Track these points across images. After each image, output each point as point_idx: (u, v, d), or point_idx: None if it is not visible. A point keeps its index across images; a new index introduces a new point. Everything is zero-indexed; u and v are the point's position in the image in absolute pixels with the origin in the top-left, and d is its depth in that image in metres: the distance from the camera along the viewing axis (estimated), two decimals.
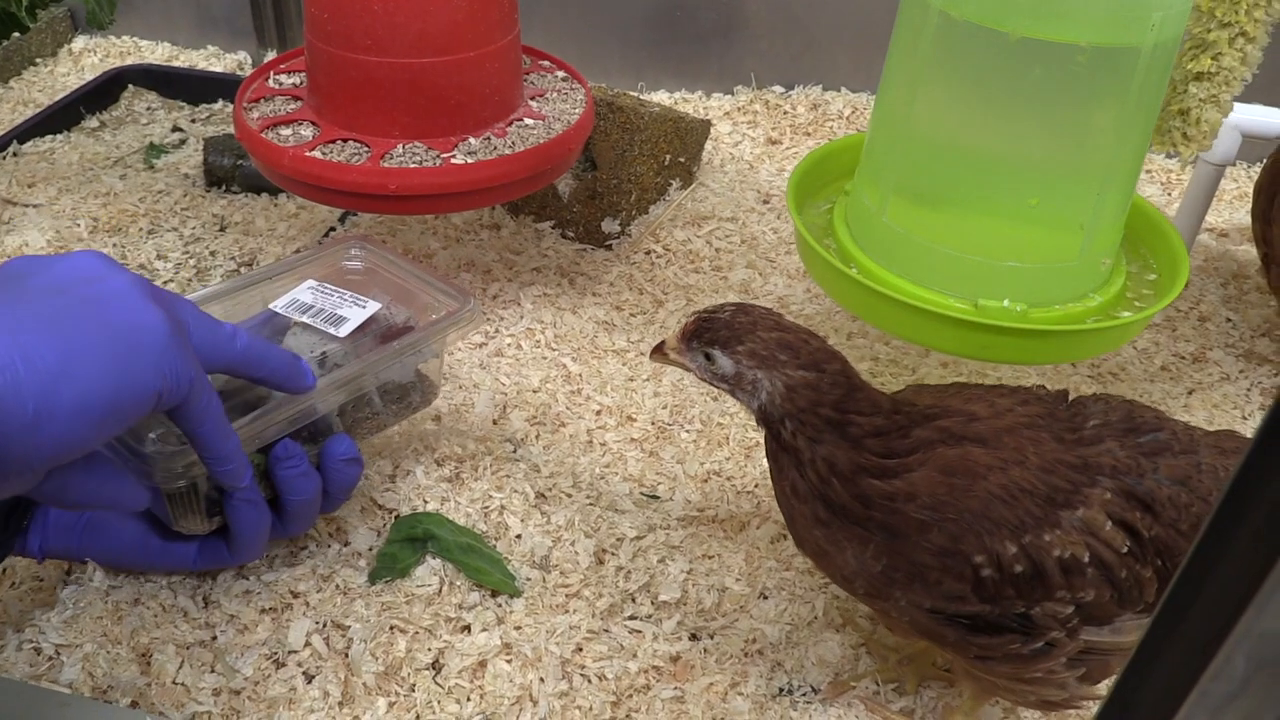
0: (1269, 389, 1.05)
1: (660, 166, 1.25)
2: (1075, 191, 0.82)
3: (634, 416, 0.96)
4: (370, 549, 0.80)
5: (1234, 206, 1.38)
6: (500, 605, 0.77)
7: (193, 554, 0.73)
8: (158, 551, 0.73)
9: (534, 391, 0.98)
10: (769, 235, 1.24)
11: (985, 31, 0.76)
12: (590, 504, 0.86)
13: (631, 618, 0.77)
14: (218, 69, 1.61)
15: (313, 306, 0.78)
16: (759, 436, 0.93)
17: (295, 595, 0.76)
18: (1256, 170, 1.34)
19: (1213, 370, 1.07)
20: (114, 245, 1.16)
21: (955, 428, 0.62)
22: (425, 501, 0.84)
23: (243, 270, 1.14)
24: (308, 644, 0.73)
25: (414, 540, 0.80)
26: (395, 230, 1.21)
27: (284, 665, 0.72)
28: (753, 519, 0.86)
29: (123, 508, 0.64)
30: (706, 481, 0.90)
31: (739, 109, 1.53)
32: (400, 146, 0.95)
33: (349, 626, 0.74)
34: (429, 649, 0.73)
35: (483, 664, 0.72)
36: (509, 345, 1.04)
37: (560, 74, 1.13)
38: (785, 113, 1.52)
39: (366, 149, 0.95)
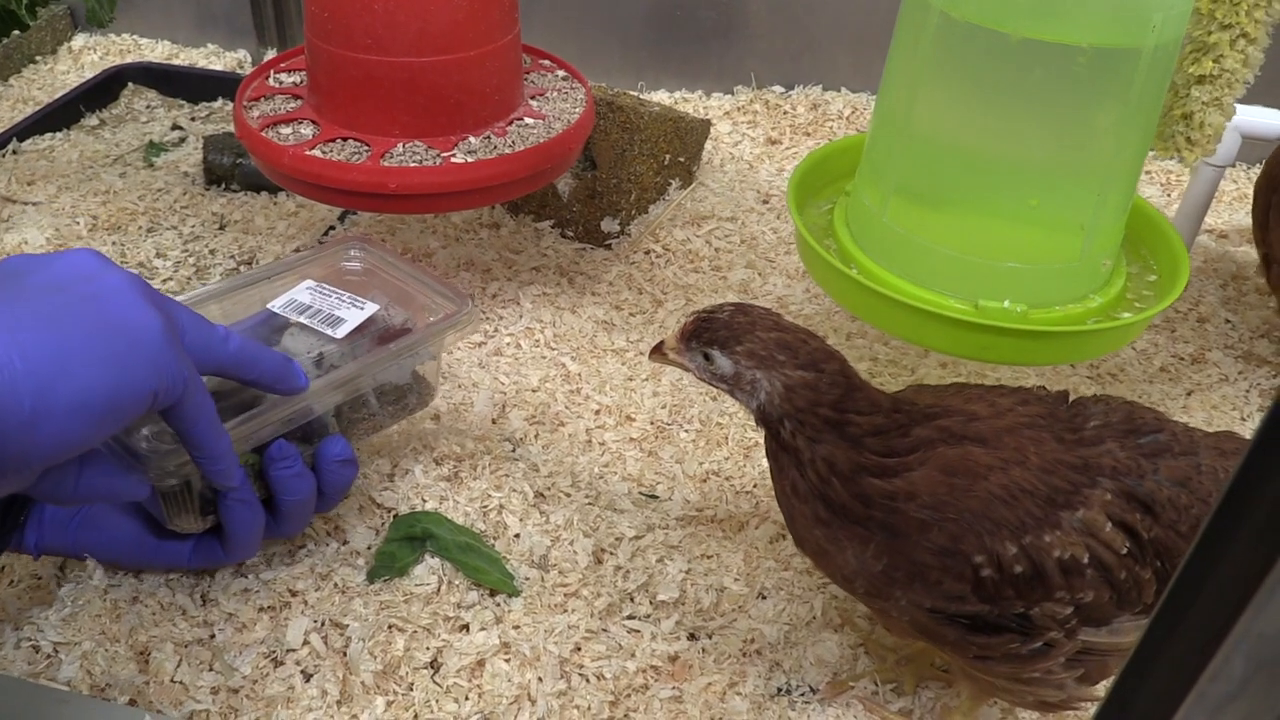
0: (1268, 390, 1.05)
1: (660, 166, 1.25)
2: (1076, 193, 0.82)
3: (633, 416, 0.96)
4: (369, 548, 0.80)
5: (1233, 207, 1.38)
6: (499, 604, 0.77)
7: (187, 551, 0.73)
8: (153, 549, 0.73)
9: (533, 391, 0.98)
10: (768, 235, 1.24)
11: (986, 32, 0.76)
12: (589, 503, 0.86)
13: (630, 617, 0.77)
14: (217, 67, 1.61)
15: (310, 307, 0.78)
16: (758, 436, 0.93)
17: (294, 594, 0.76)
18: (1256, 171, 1.34)
19: (1211, 371, 1.07)
20: (113, 243, 1.16)
21: (956, 427, 0.62)
22: (424, 500, 0.84)
23: (242, 269, 1.14)
24: (306, 642, 0.73)
25: (412, 539, 0.80)
26: (395, 229, 1.21)
27: (282, 664, 0.72)
28: (751, 519, 0.86)
29: (122, 499, 0.64)
30: (705, 481, 0.90)
31: (739, 109, 1.53)
32: (400, 145, 0.95)
33: (347, 625, 0.74)
34: (427, 648, 0.73)
35: (481, 663, 0.72)
36: (508, 344, 1.04)
37: (560, 73, 1.13)
38: (785, 113, 1.52)
39: (366, 148, 0.95)
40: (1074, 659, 0.62)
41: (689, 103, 1.55)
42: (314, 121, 0.99)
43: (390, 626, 0.74)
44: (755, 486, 0.89)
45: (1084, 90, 0.77)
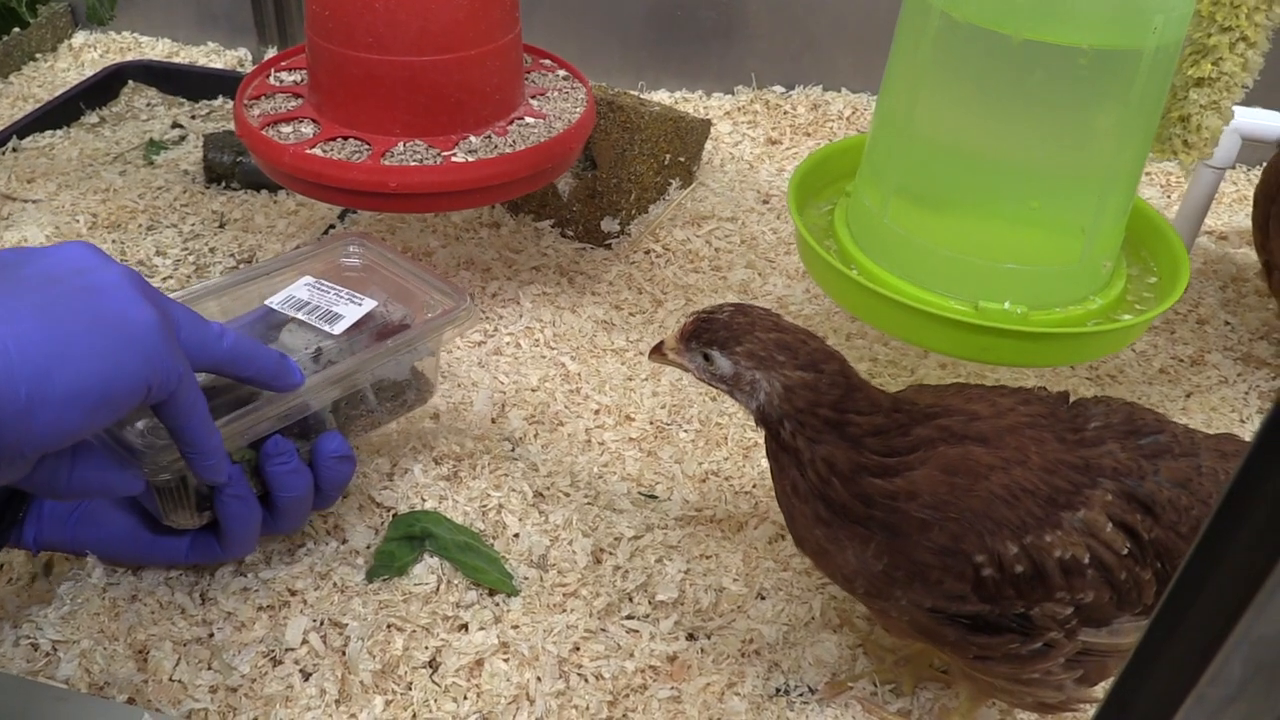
0: (1267, 392, 1.05)
1: (660, 166, 1.25)
2: (1076, 194, 0.82)
3: (632, 416, 0.96)
4: (368, 547, 0.80)
5: (1233, 209, 1.38)
6: (498, 604, 0.77)
7: (184, 548, 0.73)
8: (150, 544, 0.73)
9: (532, 390, 0.98)
10: (768, 235, 1.24)
11: (987, 34, 0.76)
12: (588, 503, 0.86)
13: (629, 617, 0.77)
14: (218, 65, 1.61)
15: (309, 303, 0.78)
16: (757, 436, 0.93)
17: (293, 593, 0.76)
18: (1256, 173, 1.34)
19: (1211, 373, 1.07)
20: (113, 241, 1.16)
21: (957, 426, 0.62)
22: (423, 500, 0.84)
23: (241, 267, 1.13)
24: (305, 642, 0.73)
25: (412, 538, 0.80)
26: (394, 228, 1.21)
27: (281, 663, 0.72)
28: (750, 519, 0.86)
29: (117, 494, 0.64)
30: (704, 481, 0.90)
31: (739, 109, 1.53)
32: (401, 144, 0.95)
33: (346, 624, 0.74)
34: (426, 647, 0.73)
35: (480, 663, 0.72)
36: (508, 344, 1.04)
37: (561, 73, 1.13)
38: (785, 113, 1.52)
39: (367, 147, 0.95)
40: (1073, 660, 0.62)
41: (689, 102, 1.55)
42: (314, 120, 0.99)
43: (389, 626, 0.74)
44: (754, 487, 0.89)
45: (1085, 92, 0.77)
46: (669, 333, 0.67)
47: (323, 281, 0.80)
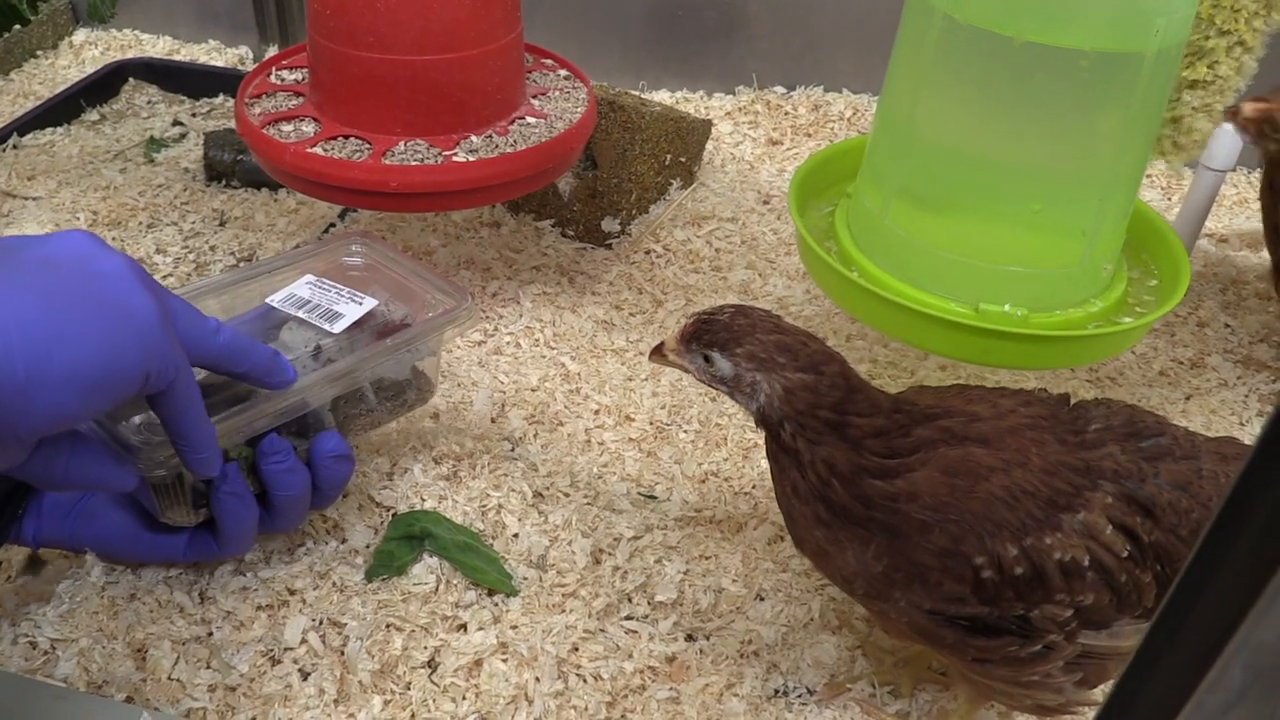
0: (1267, 395, 1.05)
1: (661, 166, 1.25)
2: (1078, 197, 0.82)
3: (632, 416, 0.96)
4: (367, 546, 0.80)
5: (1233, 212, 1.38)
6: (497, 604, 0.77)
7: (182, 545, 0.73)
8: (147, 542, 0.73)
9: (532, 390, 0.98)
10: (769, 236, 1.23)
11: (989, 36, 0.76)
12: (588, 503, 0.86)
13: (628, 618, 0.77)
14: (219, 63, 1.61)
15: (309, 302, 0.78)
16: (757, 437, 0.93)
17: (292, 592, 0.76)
18: (1257, 176, 1.34)
19: (1211, 376, 1.07)
20: (113, 239, 1.16)
21: (957, 428, 0.62)
22: (423, 499, 0.84)
23: (242, 265, 1.13)
24: (304, 641, 0.73)
25: (411, 538, 0.80)
26: (395, 227, 1.21)
27: (280, 662, 0.72)
28: (750, 520, 0.86)
29: (111, 489, 0.64)
30: (704, 482, 0.90)
31: (740, 109, 1.53)
32: (402, 144, 0.95)
33: (345, 624, 0.74)
34: (425, 647, 0.73)
35: (478, 663, 0.72)
36: (508, 343, 1.04)
37: (562, 72, 1.13)
38: (786, 113, 1.52)
39: (368, 146, 0.95)
40: (1073, 662, 0.62)
41: (690, 103, 1.55)
42: (315, 119, 0.99)
43: (388, 626, 0.74)
44: (754, 488, 0.89)
45: (1086, 94, 0.77)
46: (669, 334, 0.67)
47: (324, 280, 0.80)
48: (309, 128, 0.98)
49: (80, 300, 0.54)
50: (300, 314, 0.77)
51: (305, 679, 0.70)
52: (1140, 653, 0.30)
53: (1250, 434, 0.99)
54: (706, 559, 0.82)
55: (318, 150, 0.94)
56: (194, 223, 1.20)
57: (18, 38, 1.55)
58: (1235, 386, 1.06)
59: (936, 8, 0.79)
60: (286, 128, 0.98)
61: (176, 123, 1.41)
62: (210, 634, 0.73)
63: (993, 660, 0.62)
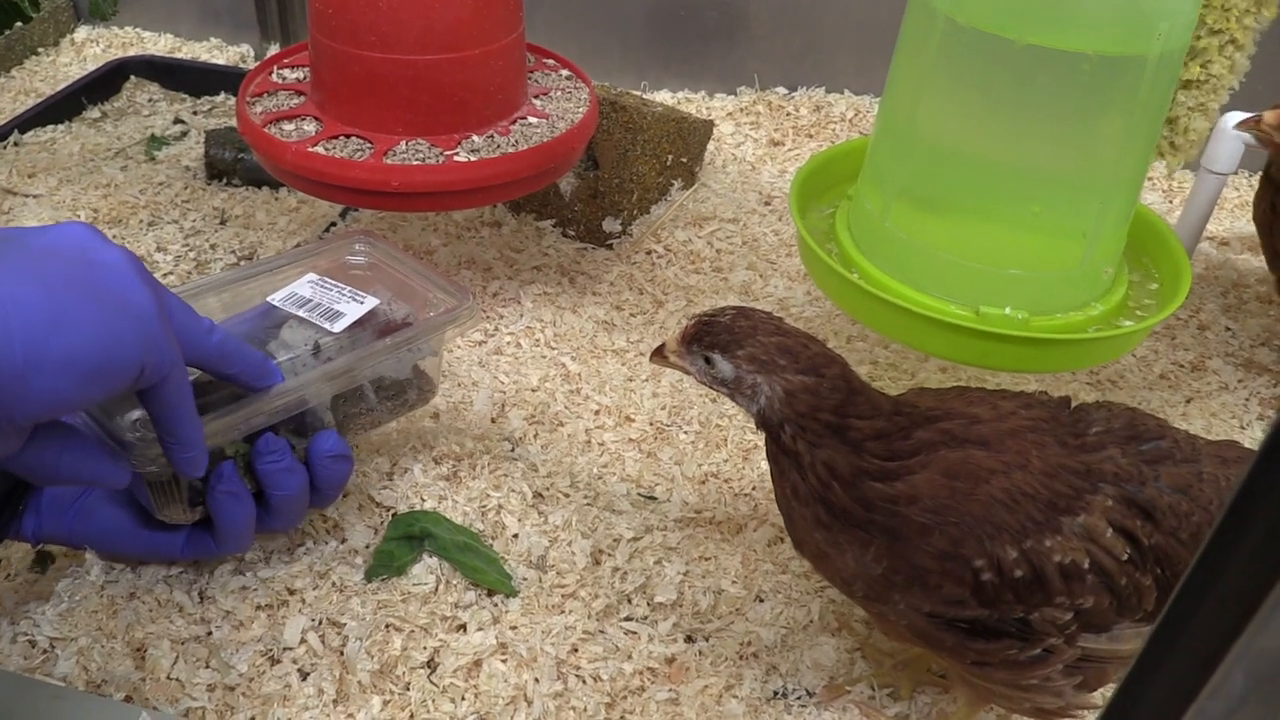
0: (1267, 399, 1.05)
1: (662, 166, 1.25)
2: (1079, 200, 0.82)
3: (632, 417, 0.96)
4: (367, 546, 0.80)
5: (1235, 215, 1.38)
6: (496, 605, 0.77)
7: (180, 543, 0.73)
8: (144, 539, 0.73)
9: (533, 390, 0.98)
10: (770, 237, 1.23)
11: (991, 38, 0.76)
12: (588, 504, 0.86)
13: (627, 619, 0.77)
14: (220, 61, 1.61)
15: (310, 301, 0.78)
16: (757, 439, 0.93)
17: (291, 592, 0.76)
18: (1258, 179, 1.34)
19: (1211, 379, 1.07)
20: (114, 236, 1.16)
21: (958, 430, 0.62)
22: (423, 499, 0.84)
23: (242, 264, 1.13)
24: (303, 641, 0.73)
25: (411, 538, 0.80)
26: (396, 226, 1.21)
27: (279, 662, 0.72)
28: (750, 521, 0.86)
29: (103, 485, 0.64)
30: (704, 483, 0.90)
31: (742, 110, 1.53)
32: (403, 143, 0.95)
33: (345, 624, 0.74)
34: (424, 648, 0.73)
35: (478, 663, 0.72)
36: (508, 343, 1.04)
37: (564, 72, 1.13)
38: (788, 114, 1.52)
39: (369, 145, 0.95)
40: (1073, 666, 0.62)
41: (692, 103, 1.55)
42: (317, 118, 0.99)
43: (388, 626, 0.74)
44: (754, 489, 0.89)
45: (1088, 97, 0.77)
46: (670, 335, 0.67)
47: (327, 279, 0.80)
48: (310, 127, 0.98)
49: (80, 288, 0.54)
50: (301, 313, 0.77)
51: (304, 679, 0.70)
52: (1141, 658, 0.30)
53: (1251, 437, 0.99)
54: (706, 560, 0.82)
55: (319, 149, 0.94)
56: (195, 221, 1.20)
57: (19, 35, 1.55)
58: (1236, 390, 1.06)
59: (938, 10, 0.79)
60: (288, 126, 0.98)
61: (178, 121, 1.41)
62: (209, 633, 0.73)
63: (992, 663, 0.62)
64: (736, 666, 0.74)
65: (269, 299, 0.78)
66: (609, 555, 0.82)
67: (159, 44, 1.66)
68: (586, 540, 0.82)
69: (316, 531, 0.81)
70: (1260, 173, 1.06)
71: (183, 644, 0.72)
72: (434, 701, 0.70)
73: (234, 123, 1.28)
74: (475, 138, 0.97)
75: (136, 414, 0.66)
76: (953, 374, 1.03)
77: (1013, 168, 0.82)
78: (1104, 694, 0.66)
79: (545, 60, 1.14)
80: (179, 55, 1.62)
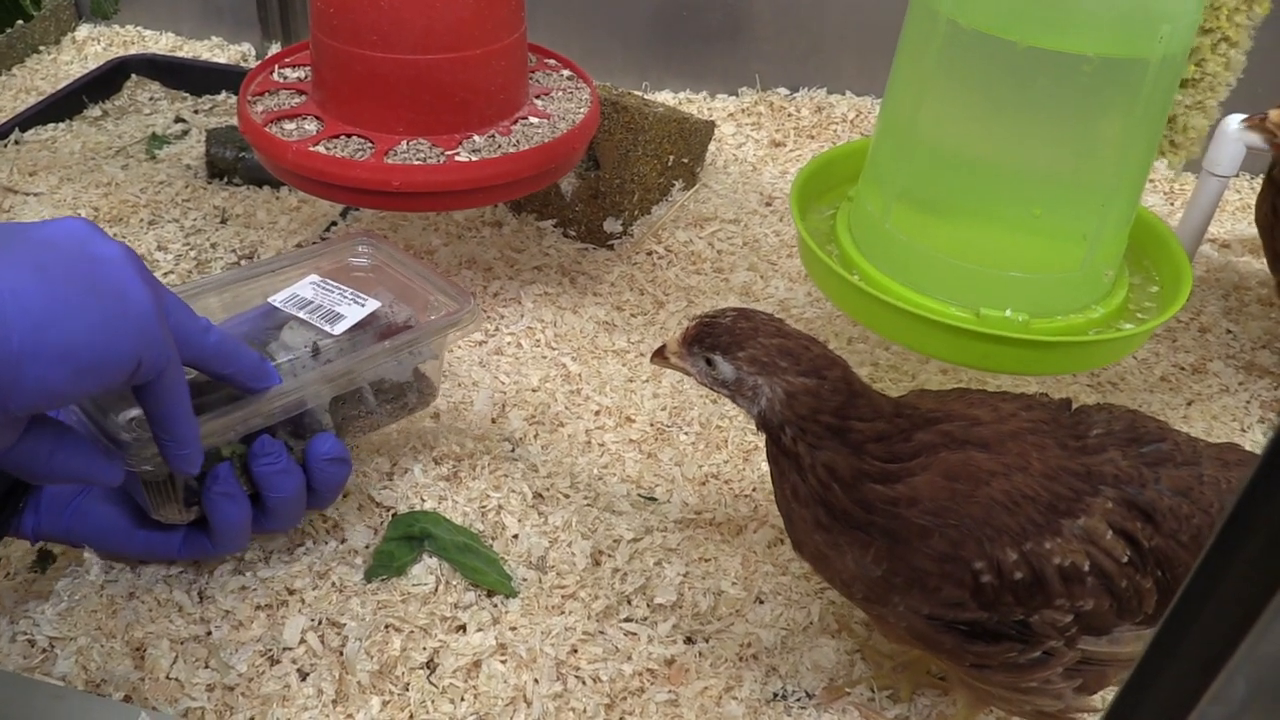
0: (1268, 401, 1.05)
1: (663, 167, 1.25)
2: (1080, 202, 0.82)
3: (633, 418, 0.96)
4: (367, 546, 0.80)
5: (1236, 217, 1.38)
6: (496, 605, 0.77)
7: (177, 543, 0.73)
8: (141, 539, 0.73)
9: (533, 391, 0.98)
10: (771, 238, 1.23)
11: (993, 40, 0.76)
12: (588, 505, 0.86)
13: (627, 620, 0.77)
14: (221, 60, 1.61)
15: (311, 302, 0.78)
16: (758, 440, 0.93)
17: (291, 592, 0.76)
18: (1259, 181, 1.34)
19: (1212, 382, 1.07)
20: (115, 235, 1.15)
21: (958, 432, 0.62)
22: (423, 500, 0.84)
23: (243, 263, 1.13)
24: (303, 641, 0.73)
25: (411, 539, 0.80)
26: (397, 226, 1.21)
27: (278, 662, 0.72)
28: (750, 523, 0.86)
29: (96, 483, 0.64)
30: (704, 484, 0.90)
31: (743, 110, 1.53)
32: (404, 143, 0.95)
33: (344, 624, 0.74)
34: (424, 648, 0.73)
35: (477, 664, 0.72)
36: (509, 344, 1.04)
37: (566, 73, 1.13)
38: (789, 115, 1.52)
39: (370, 145, 0.95)
40: (1073, 669, 0.62)
41: (693, 104, 1.55)
42: (318, 117, 0.99)
43: (387, 626, 0.74)
44: (754, 490, 0.89)
45: (1089, 100, 0.77)
46: (671, 336, 0.67)
47: (328, 281, 0.80)
48: (311, 126, 0.98)
49: (78, 280, 0.54)
50: (302, 314, 0.77)
51: (304, 679, 0.70)
52: (1143, 663, 0.30)
53: (1252, 440, 0.99)
54: (706, 561, 0.82)
55: (320, 149, 0.94)
56: (195, 220, 1.20)
57: (20, 33, 1.55)
58: (1237, 392, 1.06)
59: (940, 12, 0.79)
60: (289, 126, 0.98)
61: (179, 119, 1.41)
62: (209, 633, 0.73)
63: (992, 666, 0.62)
64: (736, 668, 0.74)
65: (270, 300, 0.78)
66: (609, 556, 0.82)
67: (160, 42, 1.66)
68: (586, 541, 0.82)
69: (316, 531, 0.81)
70: (1262, 175, 1.06)
71: (182, 644, 0.72)
72: (433, 702, 0.70)
73: (235, 122, 1.27)
74: (476, 138, 0.97)
75: (133, 413, 0.66)
76: (953, 376, 1.03)
77: (1014, 170, 0.82)
78: (1104, 697, 0.66)
79: (547, 60, 1.14)
80: (180, 54, 1.62)
